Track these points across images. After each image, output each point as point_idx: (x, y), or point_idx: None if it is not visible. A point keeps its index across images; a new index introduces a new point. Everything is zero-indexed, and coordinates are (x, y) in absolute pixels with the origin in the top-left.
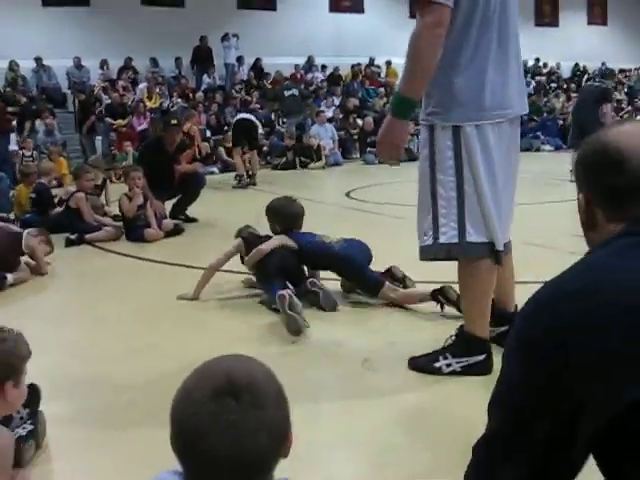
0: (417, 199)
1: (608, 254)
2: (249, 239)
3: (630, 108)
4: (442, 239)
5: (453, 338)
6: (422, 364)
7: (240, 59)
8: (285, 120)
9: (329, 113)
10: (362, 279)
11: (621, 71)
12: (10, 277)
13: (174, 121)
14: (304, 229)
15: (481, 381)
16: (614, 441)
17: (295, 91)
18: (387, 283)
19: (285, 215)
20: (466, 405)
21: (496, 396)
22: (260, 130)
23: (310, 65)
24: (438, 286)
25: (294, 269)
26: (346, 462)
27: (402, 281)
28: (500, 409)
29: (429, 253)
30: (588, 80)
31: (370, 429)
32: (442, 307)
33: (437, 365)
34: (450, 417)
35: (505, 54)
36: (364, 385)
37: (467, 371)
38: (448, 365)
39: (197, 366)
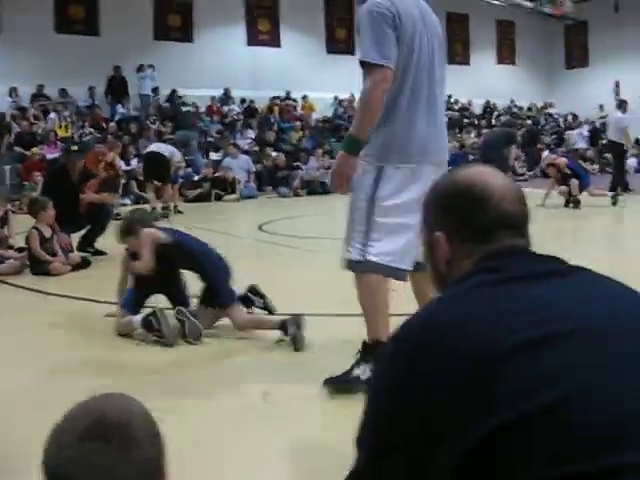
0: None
1: (460, 294)
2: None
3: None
4: (348, 256)
5: (360, 351)
6: (338, 379)
7: (156, 90)
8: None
9: (245, 146)
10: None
11: (528, 109)
12: None
13: (75, 147)
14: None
15: None
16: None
17: (190, 108)
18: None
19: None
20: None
21: (360, 430)
22: (178, 159)
23: (227, 97)
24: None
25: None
26: None
27: (263, 297)
28: (365, 442)
29: (346, 266)
30: (499, 117)
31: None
32: (286, 333)
33: (354, 374)
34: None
35: (434, 107)
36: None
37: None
38: (364, 372)
39: (69, 408)
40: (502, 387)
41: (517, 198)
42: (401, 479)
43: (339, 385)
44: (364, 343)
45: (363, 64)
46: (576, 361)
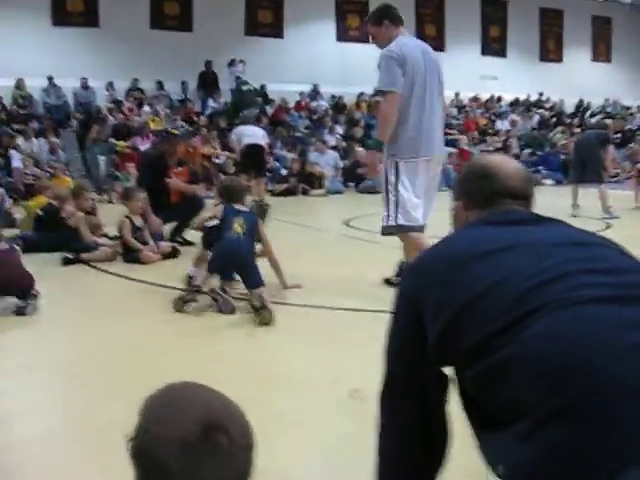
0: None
1: (452, 234)
2: None
3: None
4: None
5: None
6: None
7: (246, 85)
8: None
9: (332, 141)
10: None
11: (624, 108)
12: None
13: (175, 131)
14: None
15: None
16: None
17: (251, 86)
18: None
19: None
20: None
21: (387, 340)
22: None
23: (315, 93)
24: None
25: None
26: None
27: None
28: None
29: (389, 229)
30: (592, 116)
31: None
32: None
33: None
34: None
35: (432, 114)
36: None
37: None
38: None
39: (152, 398)
40: (459, 282)
41: (523, 178)
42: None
43: (392, 283)
44: (400, 264)
45: (379, 91)
46: (505, 264)
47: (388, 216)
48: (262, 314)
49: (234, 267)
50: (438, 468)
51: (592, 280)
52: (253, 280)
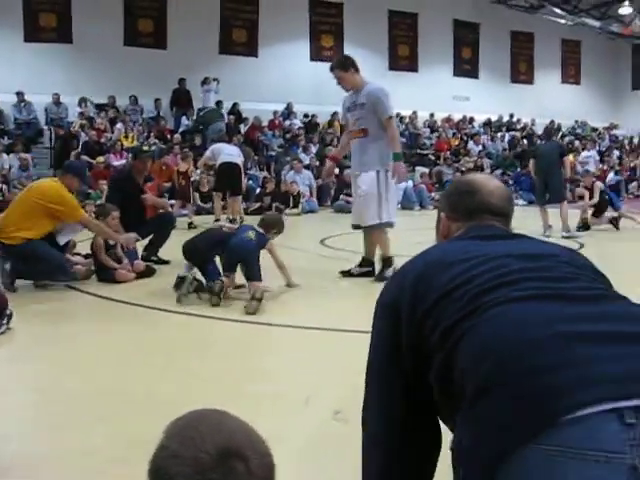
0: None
1: (431, 247)
2: None
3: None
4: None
5: (382, 263)
6: (381, 278)
7: (219, 103)
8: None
9: (307, 160)
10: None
11: (593, 129)
12: None
13: (146, 148)
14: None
15: None
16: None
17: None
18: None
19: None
20: None
21: (369, 357)
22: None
23: (289, 112)
24: None
25: None
26: None
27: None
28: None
29: (374, 227)
30: (562, 137)
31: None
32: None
33: (386, 274)
34: None
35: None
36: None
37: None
38: (388, 272)
39: (178, 419)
40: (432, 285)
41: (503, 197)
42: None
43: (381, 279)
44: (384, 258)
45: (389, 117)
46: (467, 269)
47: (376, 214)
48: (251, 303)
49: (241, 259)
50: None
51: (539, 285)
52: (254, 274)
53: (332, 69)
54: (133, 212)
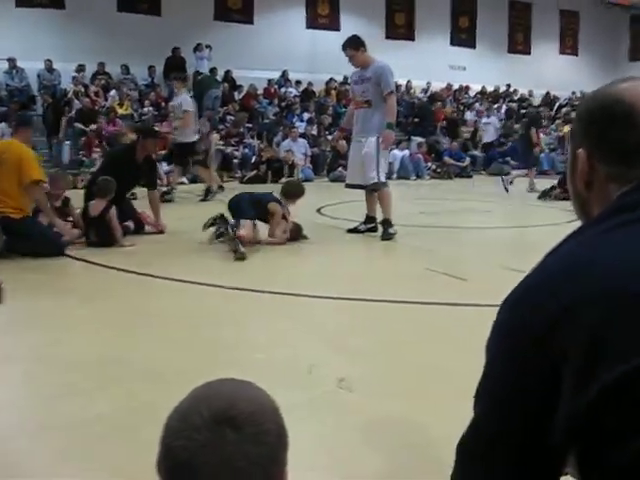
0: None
1: (599, 233)
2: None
3: None
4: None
5: (383, 223)
6: (386, 236)
7: (213, 70)
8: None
9: (302, 129)
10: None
11: None
12: None
13: (155, 129)
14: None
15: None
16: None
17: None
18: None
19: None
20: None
21: (480, 387)
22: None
23: (284, 80)
24: None
25: None
26: None
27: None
28: (482, 399)
29: (376, 185)
30: (559, 108)
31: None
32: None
33: (391, 231)
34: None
35: None
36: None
37: (391, 235)
38: (393, 229)
39: (196, 387)
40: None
41: None
42: (516, 439)
43: (387, 238)
44: (384, 219)
45: (390, 91)
46: None
47: (376, 174)
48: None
49: (235, 203)
50: None
51: None
52: (243, 213)
53: (344, 48)
54: (125, 190)
